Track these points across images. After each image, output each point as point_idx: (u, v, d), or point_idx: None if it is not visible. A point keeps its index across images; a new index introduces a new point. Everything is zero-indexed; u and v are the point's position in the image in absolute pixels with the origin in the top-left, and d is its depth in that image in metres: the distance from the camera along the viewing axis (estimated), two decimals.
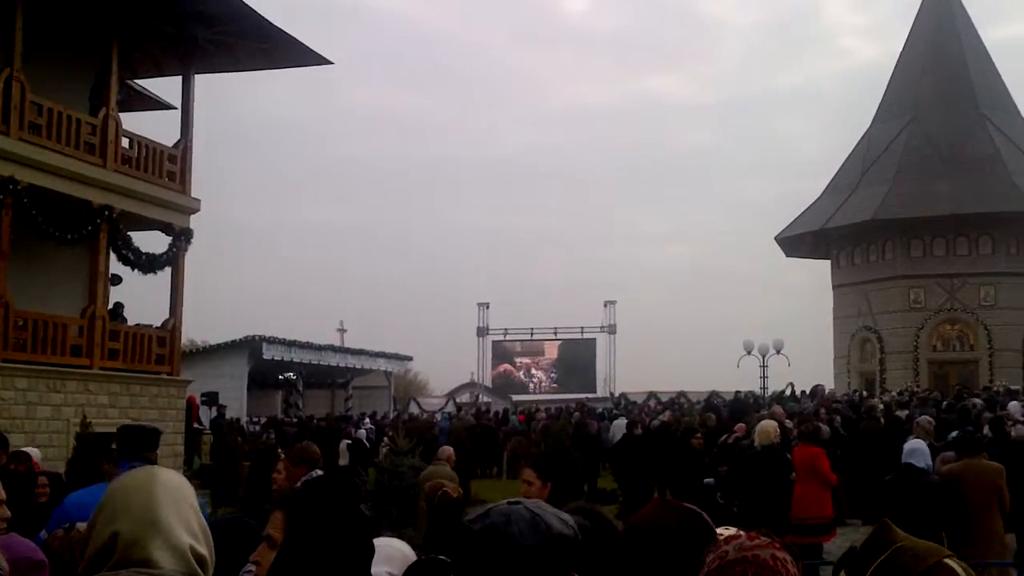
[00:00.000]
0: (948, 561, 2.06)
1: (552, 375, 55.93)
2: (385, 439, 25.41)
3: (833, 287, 44.55)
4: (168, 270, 21.92)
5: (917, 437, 11.84)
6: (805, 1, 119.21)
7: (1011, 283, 39.57)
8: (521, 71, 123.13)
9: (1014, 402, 20.59)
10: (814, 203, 44.29)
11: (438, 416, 33.68)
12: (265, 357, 39.36)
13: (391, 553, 3.06)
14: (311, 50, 23.21)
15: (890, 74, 45.12)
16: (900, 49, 45.27)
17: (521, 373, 56.41)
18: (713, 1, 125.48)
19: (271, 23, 21.34)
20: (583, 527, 2.36)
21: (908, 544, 2.09)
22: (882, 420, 17.84)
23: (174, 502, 2.33)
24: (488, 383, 54.42)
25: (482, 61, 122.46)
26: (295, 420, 35.53)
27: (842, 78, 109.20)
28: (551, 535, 1.90)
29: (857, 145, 44.44)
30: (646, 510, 2.61)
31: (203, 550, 2.33)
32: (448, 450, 13.14)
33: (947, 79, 41.88)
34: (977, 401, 21.58)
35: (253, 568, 2.80)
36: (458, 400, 48.44)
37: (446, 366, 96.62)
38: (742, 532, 2.09)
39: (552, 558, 1.88)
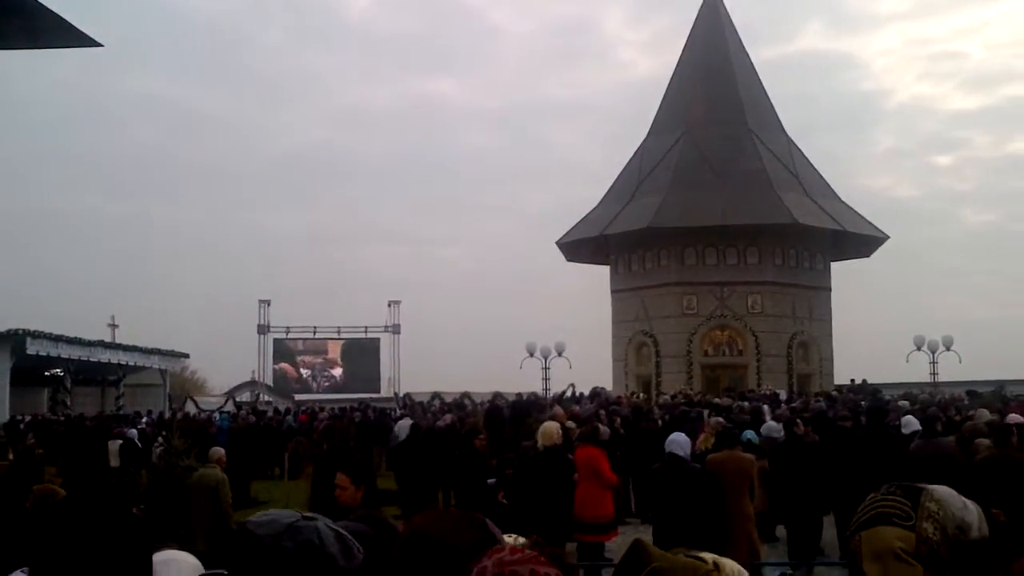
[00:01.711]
0: None
1: (335, 374, 55.42)
2: (160, 439, 24.49)
3: (612, 292, 45.69)
4: None
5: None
6: (583, 14, 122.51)
7: (776, 291, 41.65)
8: (303, 69, 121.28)
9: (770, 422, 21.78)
10: (594, 210, 45.38)
11: (216, 416, 32.72)
12: (29, 352, 37.37)
13: (183, 568, 2.87)
14: (78, 30, 22.02)
15: (664, 89, 46.84)
16: (674, 65, 47.05)
17: (303, 372, 55.63)
18: (494, 8, 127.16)
19: None
20: (367, 535, 2.27)
21: (664, 565, 2.06)
22: (660, 422, 18.48)
23: None
24: (269, 382, 53.43)
25: (264, 56, 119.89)
26: (62, 419, 33.80)
27: (619, 90, 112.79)
28: (359, 557, 1.82)
29: (633, 156, 45.71)
30: (423, 517, 2.50)
31: None
32: (219, 451, 12.87)
33: (718, 96, 43.69)
34: (743, 404, 22.71)
35: None
36: (238, 399, 47.29)
37: (225, 364, 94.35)
38: (514, 544, 2.03)
39: None
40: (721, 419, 15.55)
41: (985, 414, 15.12)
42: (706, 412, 21.08)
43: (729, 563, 2.20)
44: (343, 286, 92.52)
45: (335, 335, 54.63)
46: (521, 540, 2.63)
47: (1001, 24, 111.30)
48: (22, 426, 28.37)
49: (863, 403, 22.28)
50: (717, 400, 25.52)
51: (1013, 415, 15.20)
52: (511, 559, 1.87)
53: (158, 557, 2.67)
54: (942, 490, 3.17)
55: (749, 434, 14.09)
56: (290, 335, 54.14)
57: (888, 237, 44.19)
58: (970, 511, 3.06)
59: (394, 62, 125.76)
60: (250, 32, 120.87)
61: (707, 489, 10.37)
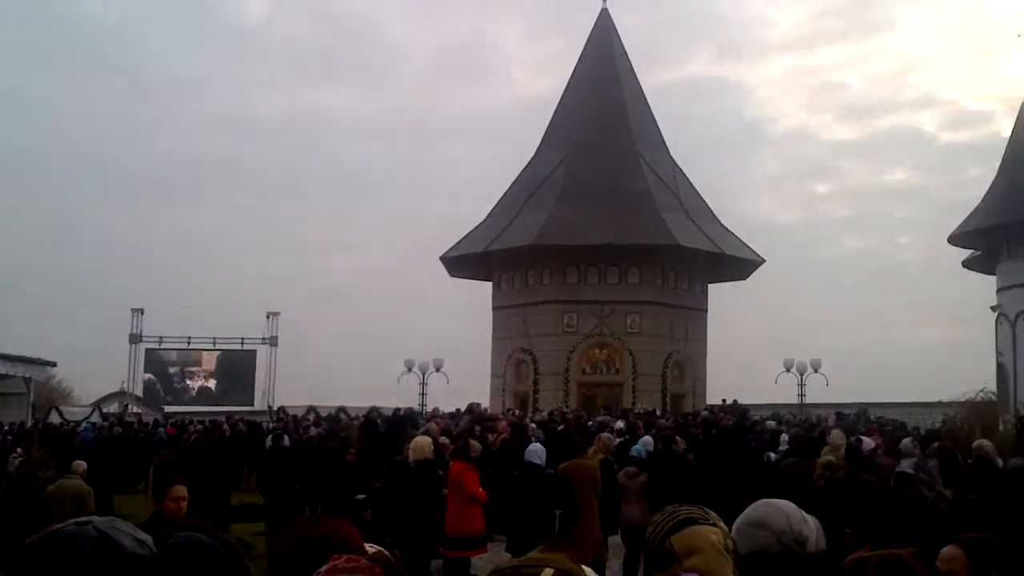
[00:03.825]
0: None
1: (209, 386, 54.33)
2: (18, 450, 23.70)
3: (493, 308, 45.81)
4: None
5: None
6: (480, 33, 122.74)
7: (655, 312, 42.21)
8: (192, 74, 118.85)
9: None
10: (479, 226, 45.42)
11: (82, 426, 31.71)
12: None
13: None
14: None
15: (554, 108, 47.27)
16: (564, 85, 47.53)
17: (175, 384, 54.41)
18: (392, 22, 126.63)
19: None
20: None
21: None
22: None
23: None
24: (139, 393, 52.09)
25: (147, 58, 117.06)
26: None
27: (511, 109, 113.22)
28: (122, 556, 1.80)
29: (520, 174, 45.95)
30: (294, 526, 2.60)
31: None
32: (82, 464, 12.77)
33: (606, 117, 44.19)
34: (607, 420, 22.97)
35: None
36: (105, 410, 45.96)
37: (94, 374, 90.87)
38: (358, 555, 2.06)
39: None
40: (611, 435, 15.98)
41: (839, 435, 15.60)
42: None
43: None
44: (221, 296, 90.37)
45: (210, 346, 53.60)
46: (373, 549, 2.63)
47: (880, 58, 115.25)
48: None
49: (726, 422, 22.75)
50: (590, 422, 25.70)
51: (867, 440, 15.87)
52: (345, 567, 1.92)
53: None
54: (784, 504, 3.28)
55: (637, 449, 14.53)
56: (163, 345, 52.94)
57: (764, 261, 45.24)
58: (809, 525, 3.20)
59: (286, 72, 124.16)
60: (134, 31, 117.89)
61: (558, 491, 12.06)
